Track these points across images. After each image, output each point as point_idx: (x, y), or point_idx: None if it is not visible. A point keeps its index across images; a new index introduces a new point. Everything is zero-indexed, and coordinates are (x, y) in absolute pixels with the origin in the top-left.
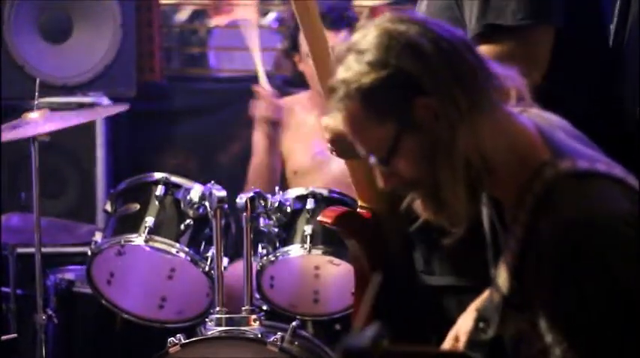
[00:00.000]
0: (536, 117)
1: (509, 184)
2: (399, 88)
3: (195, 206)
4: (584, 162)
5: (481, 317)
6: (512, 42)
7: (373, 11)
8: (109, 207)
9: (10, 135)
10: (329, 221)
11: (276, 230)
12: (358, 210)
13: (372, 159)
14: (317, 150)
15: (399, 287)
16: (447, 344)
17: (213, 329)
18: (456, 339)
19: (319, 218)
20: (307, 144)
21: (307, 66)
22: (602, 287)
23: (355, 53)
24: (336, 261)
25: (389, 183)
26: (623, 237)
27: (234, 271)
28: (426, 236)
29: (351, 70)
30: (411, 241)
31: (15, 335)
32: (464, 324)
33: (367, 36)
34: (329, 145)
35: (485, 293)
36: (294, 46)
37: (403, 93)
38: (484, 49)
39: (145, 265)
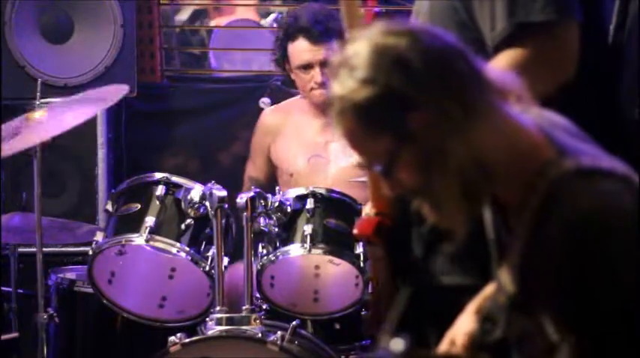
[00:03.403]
0: (537, 116)
1: (512, 185)
2: (391, 104)
3: (196, 206)
4: (588, 159)
5: (487, 318)
6: (543, 39)
7: (366, 13)
8: (109, 207)
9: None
10: (367, 236)
11: (276, 229)
12: (376, 216)
13: (376, 169)
14: (313, 154)
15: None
16: (444, 346)
17: (213, 329)
18: (453, 341)
19: (355, 232)
20: (303, 147)
21: (297, 76)
22: (607, 284)
23: (348, 68)
24: (336, 260)
25: (393, 190)
26: (628, 235)
27: (234, 273)
28: (434, 235)
29: (344, 86)
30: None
31: (16, 334)
32: (462, 325)
33: (358, 51)
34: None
35: (484, 294)
36: (284, 56)
37: (395, 109)
38: (514, 51)
39: (146, 265)
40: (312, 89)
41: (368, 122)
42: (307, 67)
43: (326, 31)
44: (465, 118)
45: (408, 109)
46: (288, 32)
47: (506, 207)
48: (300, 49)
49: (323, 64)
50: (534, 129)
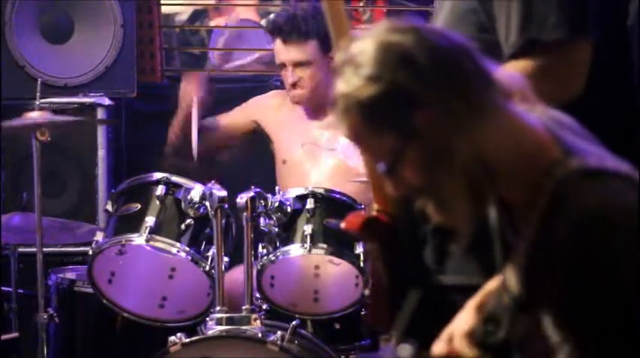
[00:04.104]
0: (542, 115)
1: (518, 185)
2: (396, 101)
3: (196, 206)
4: (593, 159)
5: (490, 319)
6: (552, 56)
7: (374, 13)
8: (110, 207)
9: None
10: (354, 228)
11: (276, 229)
12: (375, 212)
13: (380, 167)
14: (305, 141)
15: (410, 286)
16: (440, 342)
17: (213, 329)
18: (450, 338)
19: (342, 225)
20: (298, 135)
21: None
22: (610, 282)
23: (353, 66)
24: (336, 260)
25: (397, 189)
26: (630, 233)
27: (234, 276)
28: (439, 235)
29: (349, 83)
30: (423, 241)
31: (16, 334)
32: (462, 322)
33: (364, 49)
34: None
35: (485, 290)
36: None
37: (401, 106)
38: (523, 63)
39: (146, 265)
40: (290, 88)
41: (373, 120)
42: (282, 66)
43: (298, 30)
44: (470, 117)
45: (414, 107)
46: (269, 33)
47: (512, 207)
48: (277, 50)
49: (296, 64)
50: (540, 128)
